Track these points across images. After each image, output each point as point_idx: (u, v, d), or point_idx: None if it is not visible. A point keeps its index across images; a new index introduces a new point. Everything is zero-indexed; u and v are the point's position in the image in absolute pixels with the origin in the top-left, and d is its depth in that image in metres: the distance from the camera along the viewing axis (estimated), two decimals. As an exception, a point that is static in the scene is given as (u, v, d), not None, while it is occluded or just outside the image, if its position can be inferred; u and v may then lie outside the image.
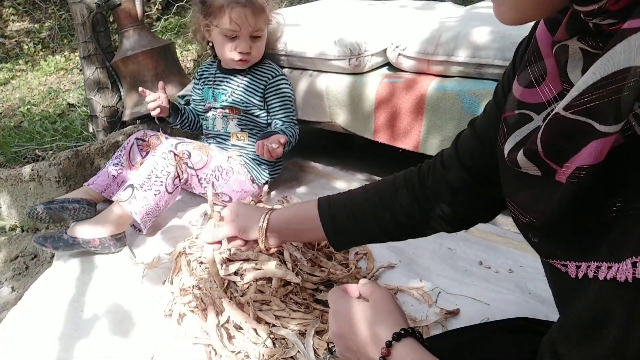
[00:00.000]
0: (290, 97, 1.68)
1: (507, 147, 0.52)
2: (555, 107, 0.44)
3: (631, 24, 0.37)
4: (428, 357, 0.53)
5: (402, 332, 0.54)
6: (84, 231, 1.41)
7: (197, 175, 1.56)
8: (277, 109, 1.66)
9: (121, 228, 1.45)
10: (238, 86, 1.67)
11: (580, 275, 0.45)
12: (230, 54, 1.58)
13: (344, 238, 0.82)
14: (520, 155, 0.48)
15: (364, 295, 0.62)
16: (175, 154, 1.50)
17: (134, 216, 1.42)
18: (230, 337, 1.06)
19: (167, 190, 1.48)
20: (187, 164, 1.52)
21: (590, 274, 0.44)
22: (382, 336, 0.55)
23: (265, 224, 0.85)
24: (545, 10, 0.44)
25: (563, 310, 0.54)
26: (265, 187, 1.70)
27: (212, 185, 1.58)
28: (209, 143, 1.73)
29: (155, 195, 1.45)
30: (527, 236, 0.54)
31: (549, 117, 0.44)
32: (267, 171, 1.71)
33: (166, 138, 1.58)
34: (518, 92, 0.53)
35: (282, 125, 1.65)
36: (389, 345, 0.53)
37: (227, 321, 1.08)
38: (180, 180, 1.52)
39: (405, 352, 0.53)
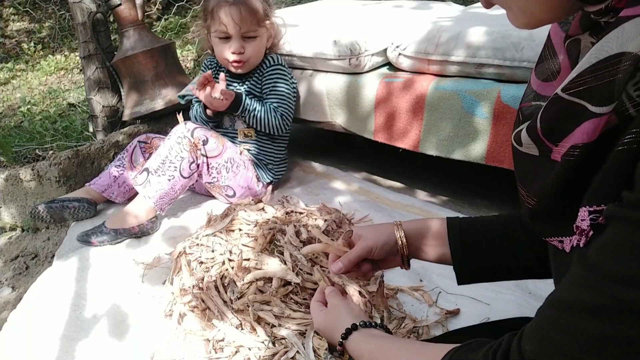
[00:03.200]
0: (284, 91, 1.63)
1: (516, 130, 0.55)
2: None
3: (626, 12, 0.39)
4: (377, 340, 0.64)
5: (347, 330, 0.68)
6: (122, 221, 1.47)
7: (209, 164, 1.54)
8: (269, 94, 1.63)
9: (155, 210, 1.50)
10: (243, 89, 1.67)
11: (570, 248, 0.48)
12: (225, 54, 1.59)
13: (469, 256, 0.75)
14: (524, 132, 0.51)
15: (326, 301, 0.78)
16: (189, 140, 1.49)
17: (147, 200, 1.46)
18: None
19: (182, 175, 1.48)
20: (200, 150, 1.51)
21: (575, 243, 0.47)
22: (335, 336, 0.69)
23: (402, 235, 0.77)
24: (556, 15, 0.46)
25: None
26: (269, 188, 1.70)
27: (220, 173, 1.56)
28: None
29: (169, 180, 1.47)
30: (532, 219, 0.55)
31: (549, 98, 0.47)
32: (272, 172, 1.71)
33: (184, 122, 1.53)
34: (535, 85, 0.56)
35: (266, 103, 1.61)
36: (340, 344, 0.68)
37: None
38: (197, 165, 1.51)
39: (355, 345, 0.66)
